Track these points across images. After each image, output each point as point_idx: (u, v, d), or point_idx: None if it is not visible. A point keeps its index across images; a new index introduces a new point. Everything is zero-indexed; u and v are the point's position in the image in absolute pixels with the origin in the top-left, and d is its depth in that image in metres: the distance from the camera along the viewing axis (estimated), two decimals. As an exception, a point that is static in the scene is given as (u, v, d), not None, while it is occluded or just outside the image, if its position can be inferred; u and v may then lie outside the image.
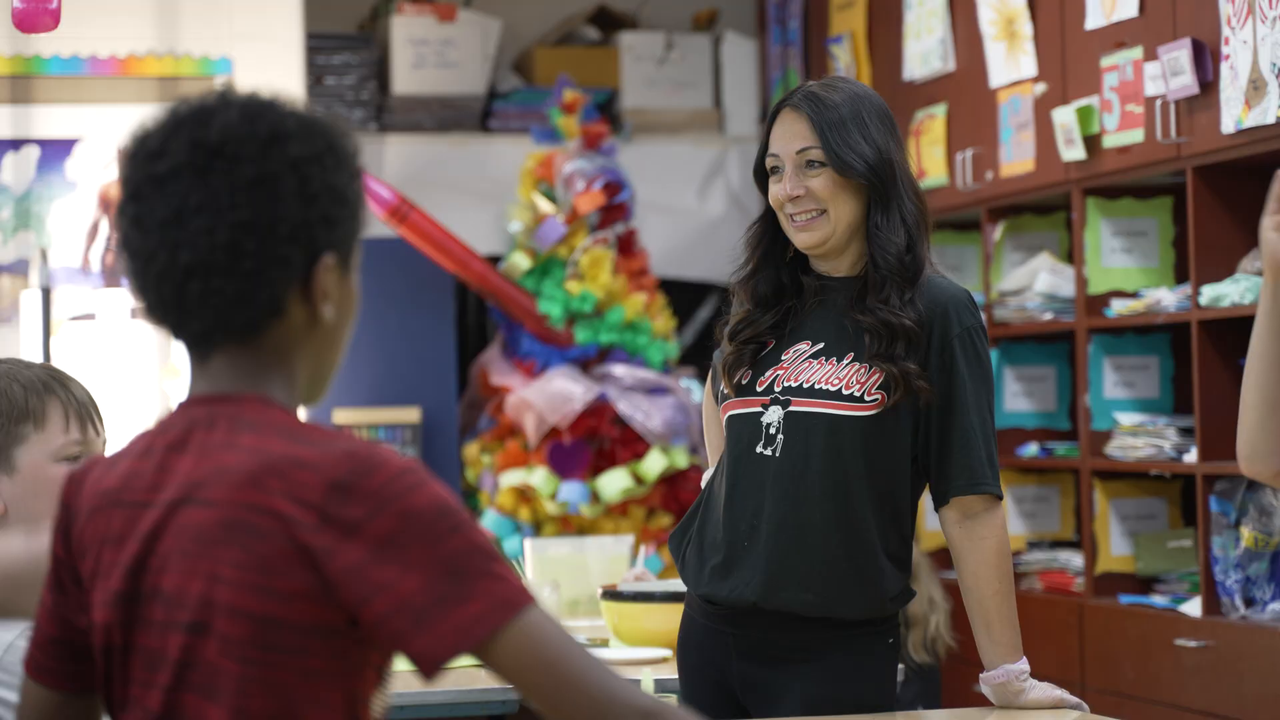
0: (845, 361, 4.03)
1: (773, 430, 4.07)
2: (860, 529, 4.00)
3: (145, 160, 2.39)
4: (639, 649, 5.05)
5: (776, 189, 4.08)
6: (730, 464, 4.15)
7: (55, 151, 8.55)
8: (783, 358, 4.10)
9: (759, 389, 4.09)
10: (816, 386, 4.03)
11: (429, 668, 2.26)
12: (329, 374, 2.61)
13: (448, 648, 2.25)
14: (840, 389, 4.02)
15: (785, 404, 4.06)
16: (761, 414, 4.09)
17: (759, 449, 4.08)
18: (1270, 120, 6.02)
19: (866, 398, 4.00)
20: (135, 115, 7.52)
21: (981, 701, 4.15)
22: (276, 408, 2.44)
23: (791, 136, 4.08)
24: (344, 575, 2.26)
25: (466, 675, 4.95)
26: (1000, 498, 4.11)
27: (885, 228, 4.05)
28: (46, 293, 8.40)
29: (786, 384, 4.06)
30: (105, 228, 8.53)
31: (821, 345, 4.07)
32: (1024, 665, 4.05)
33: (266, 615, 2.29)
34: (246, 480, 2.33)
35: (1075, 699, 4.08)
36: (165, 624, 2.34)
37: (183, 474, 2.38)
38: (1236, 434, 3.63)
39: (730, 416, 4.17)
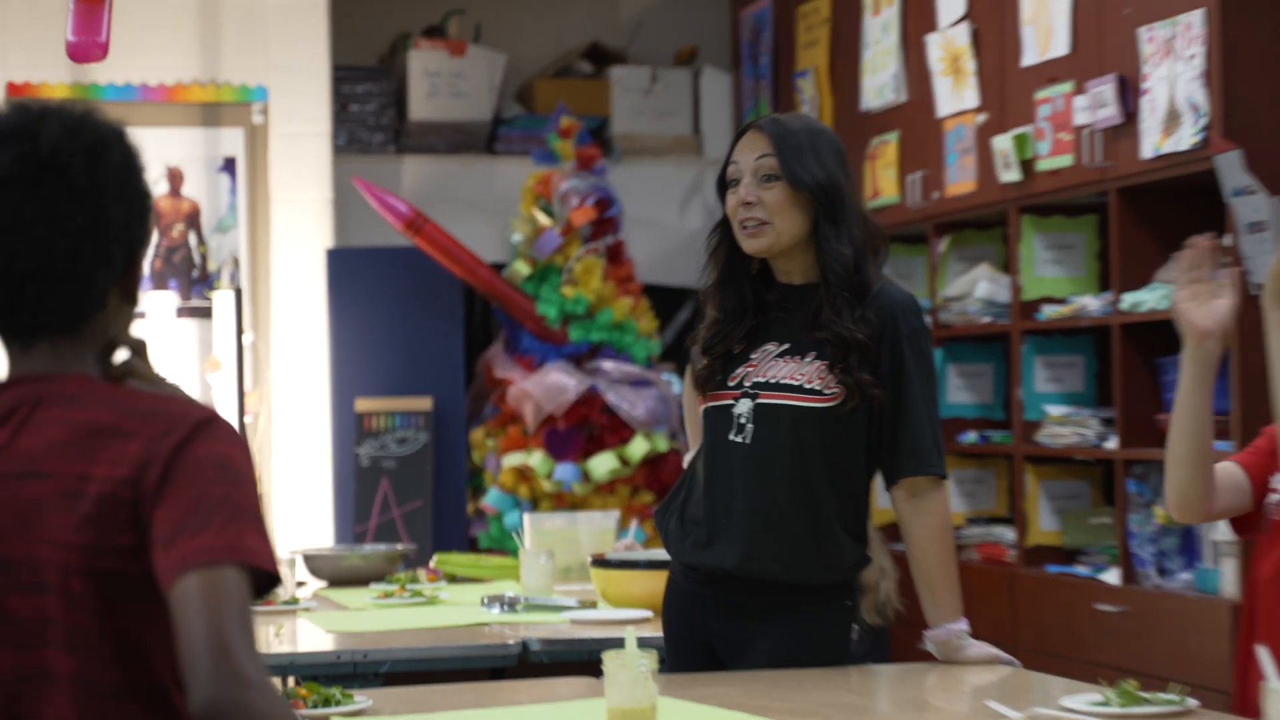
0: (808, 359, 4.07)
1: (743, 420, 4.11)
2: (820, 507, 4.04)
3: None
4: (624, 610, 5.05)
5: (733, 198, 4.12)
6: (707, 450, 4.20)
7: (110, 169, 8.54)
8: (751, 356, 4.14)
9: (730, 384, 4.13)
10: (782, 382, 4.08)
11: (163, 586, 2.22)
12: (125, 346, 2.53)
13: (170, 571, 2.21)
14: (803, 384, 4.06)
15: (754, 397, 4.10)
16: (733, 406, 4.13)
17: (731, 437, 4.12)
18: (1184, 147, 6.04)
19: (826, 391, 4.04)
20: (183, 137, 7.57)
21: (926, 658, 4.15)
22: (98, 382, 2.42)
23: (753, 149, 4.12)
24: (152, 525, 2.27)
25: (469, 632, 4.95)
26: (944, 478, 4.14)
27: (834, 239, 4.07)
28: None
29: (755, 379, 4.10)
30: (155, 237, 8.52)
31: (787, 345, 4.11)
32: (964, 625, 4.11)
33: (105, 570, 2.29)
34: (76, 452, 2.32)
35: (1009, 657, 4.12)
36: (10, 587, 2.33)
37: (17, 448, 2.35)
38: (1165, 485, 3.69)
39: (706, 409, 4.22)
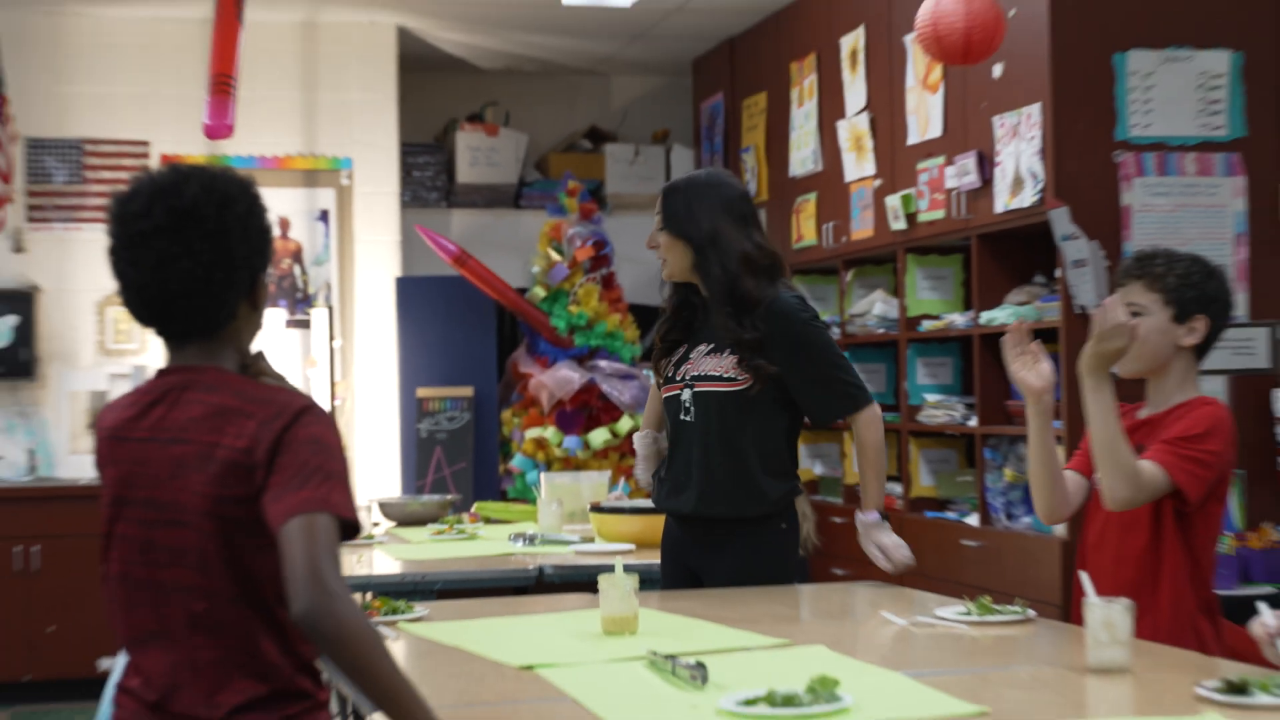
0: (725, 355, 4.18)
1: (687, 405, 4.25)
2: (747, 462, 4.15)
3: (132, 220, 2.41)
4: (615, 544, 5.03)
5: None
6: (669, 428, 4.35)
7: (236, 218, 8.51)
8: (690, 356, 4.28)
9: (677, 379, 4.27)
10: (708, 374, 4.21)
11: (273, 528, 2.27)
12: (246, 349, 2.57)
13: (278, 517, 2.26)
14: (722, 374, 4.19)
15: (692, 387, 4.24)
16: (680, 395, 4.27)
17: (682, 417, 4.26)
18: (1026, 205, 6.03)
19: (739, 378, 4.16)
20: (290, 195, 7.55)
21: (837, 581, 4.14)
22: (228, 374, 2.46)
23: (656, 207, 4.33)
24: (263, 481, 2.30)
25: (500, 560, 4.94)
26: (869, 401, 4.26)
27: (709, 268, 4.19)
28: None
29: (692, 374, 4.24)
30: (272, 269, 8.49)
31: (713, 345, 4.23)
32: (874, 516, 4.28)
33: (228, 516, 2.33)
34: (210, 426, 2.37)
35: (909, 553, 4.22)
36: (159, 522, 2.38)
37: (169, 421, 2.41)
38: (1034, 502, 3.66)
39: (665, 398, 4.35)
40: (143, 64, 8.43)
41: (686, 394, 4.26)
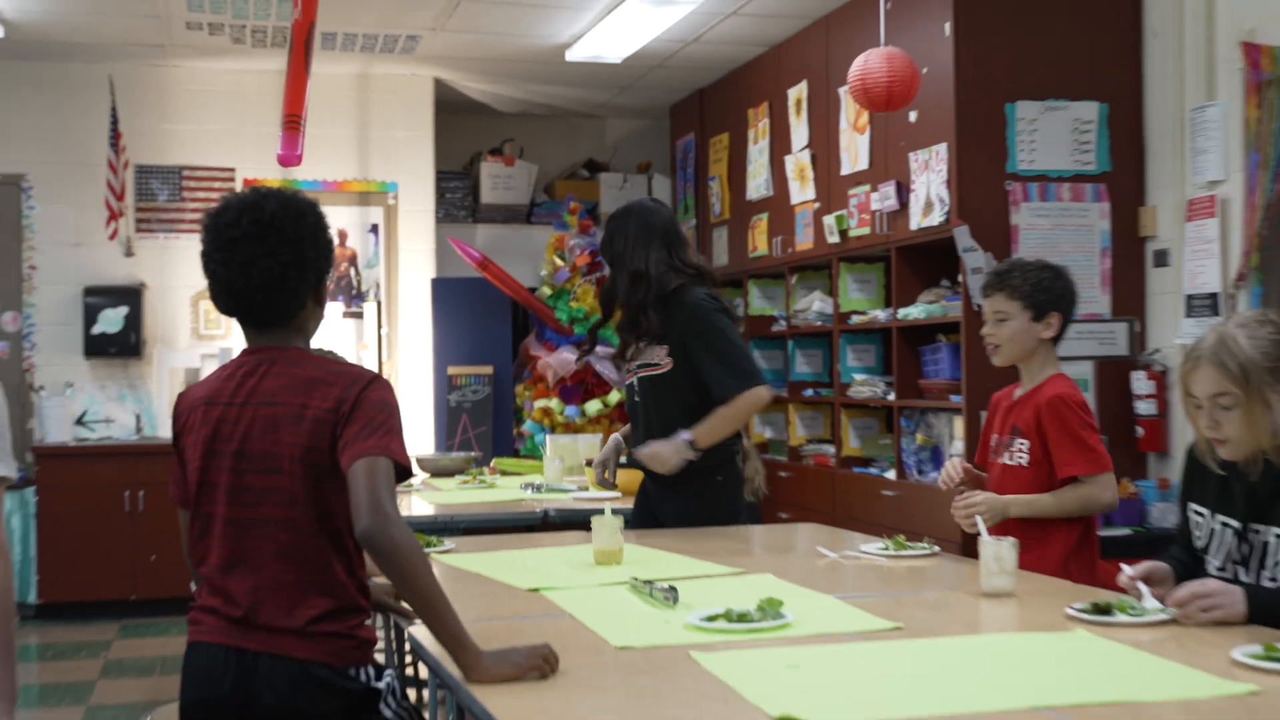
0: (657, 345, 4.22)
1: (635, 388, 4.32)
2: (677, 428, 4.12)
3: (225, 229, 2.44)
4: (604, 492, 5.03)
5: None
6: (628, 406, 4.43)
7: (304, 230, 8.51)
8: (640, 347, 4.30)
9: (632, 367, 4.32)
10: (647, 362, 4.25)
11: (344, 468, 2.30)
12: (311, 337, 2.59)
13: (349, 459, 2.29)
14: (655, 361, 4.23)
15: (638, 374, 4.29)
16: (632, 382, 4.33)
17: (635, 399, 4.33)
18: (935, 223, 6.02)
19: (663, 364, 4.20)
20: (347, 211, 7.49)
21: (782, 523, 4.13)
22: (309, 352, 2.50)
23: None
24: (340, 432, 2.34)
25: (513, 504, 4.93)
26: (758, 384, 4.18)
27: (618, 278, 4.29)
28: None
29: (638, 363, 4.29)
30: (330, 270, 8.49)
31: (653, 338, 4.25)
32: (686, 435, 4.13)
33: (315, 462, 2.35)
34: (299, 392, 2.39)
35: (665, 460, 4.14)
36: (251, 468, 2.39)
37: (261, 389, 2.42)
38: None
39: (625, 386, 4.42)
40: (229, 106, 8.42)
41: (635, 380, 4.31)
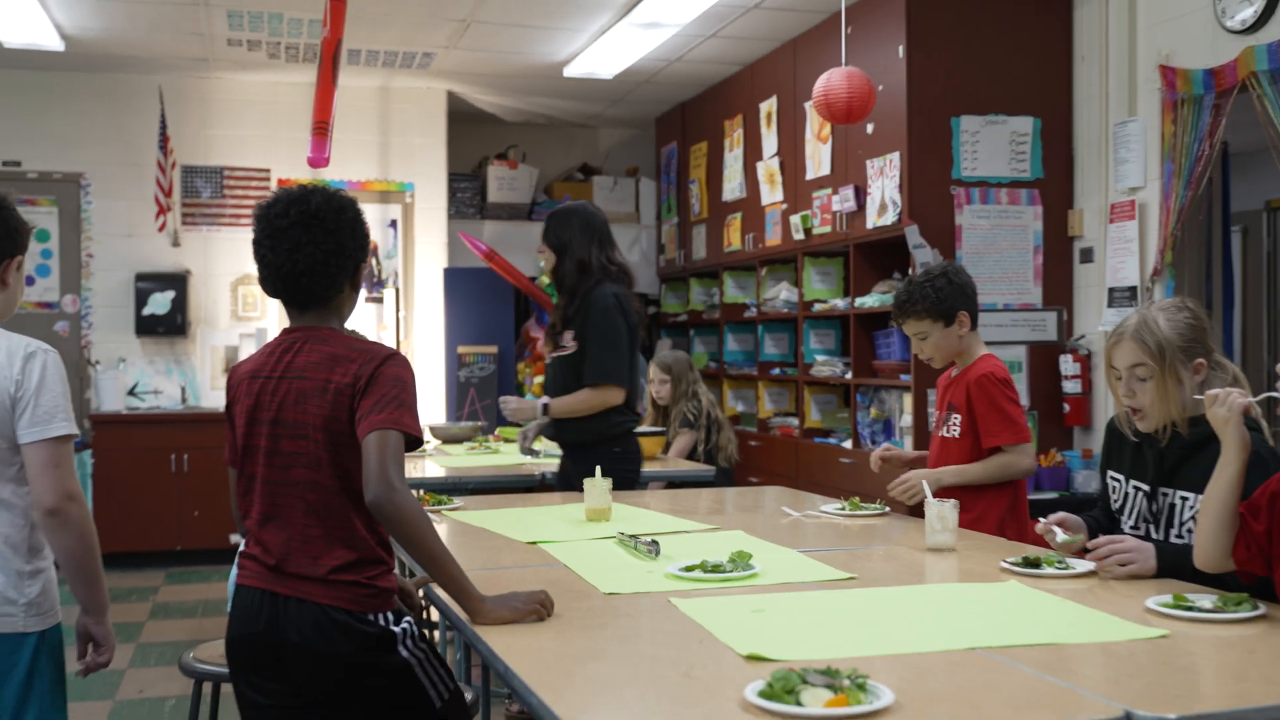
0: (568, 330, 4.28)
1: (549, 368, 4.40)
2: None
3: (274, 219, 2.44)
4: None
5: None
6: (544, 381, 4.50)
7: (331, 224, 8.47)
8: (559, 330, 4.36)
9: (554, 347, 4.38)
10: (561, 344, 4.30)
11: (360, 438, 2.29)
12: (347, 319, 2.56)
13: (364, 431, 2.28)
14: (565, 344, 4.29)
15: (554, 352, 4.35)
16: (549, 358, 4.40)
17: (549, 375, 4.40)
18: (889, 223, 6.02)
19: (568, 346, 4.27)
20: (370, 209, 7.47)
21: (752, 486, 4.13)
22: (338, 332, 2.47)
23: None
24: (357, 404, 2.33)
25: (514, 468, 4.93)
26: (610, 384, 4.22)
27: (559, 270, 4.35)
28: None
29: (556, 344, 4.33)
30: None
31: (568, 324, 4.32)
32: (544, 410, 4.28)
33: (336, 430, 2.34)
34: (325, 368, 2.38)
35: (511, 410, 4.37)
36: (284, 434, 2.39)
37: (294, 364, 2.41)
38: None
39: (547, 362, 4.47)
40: (265, 114, 8.37)
41: (550, 358, 4.37)
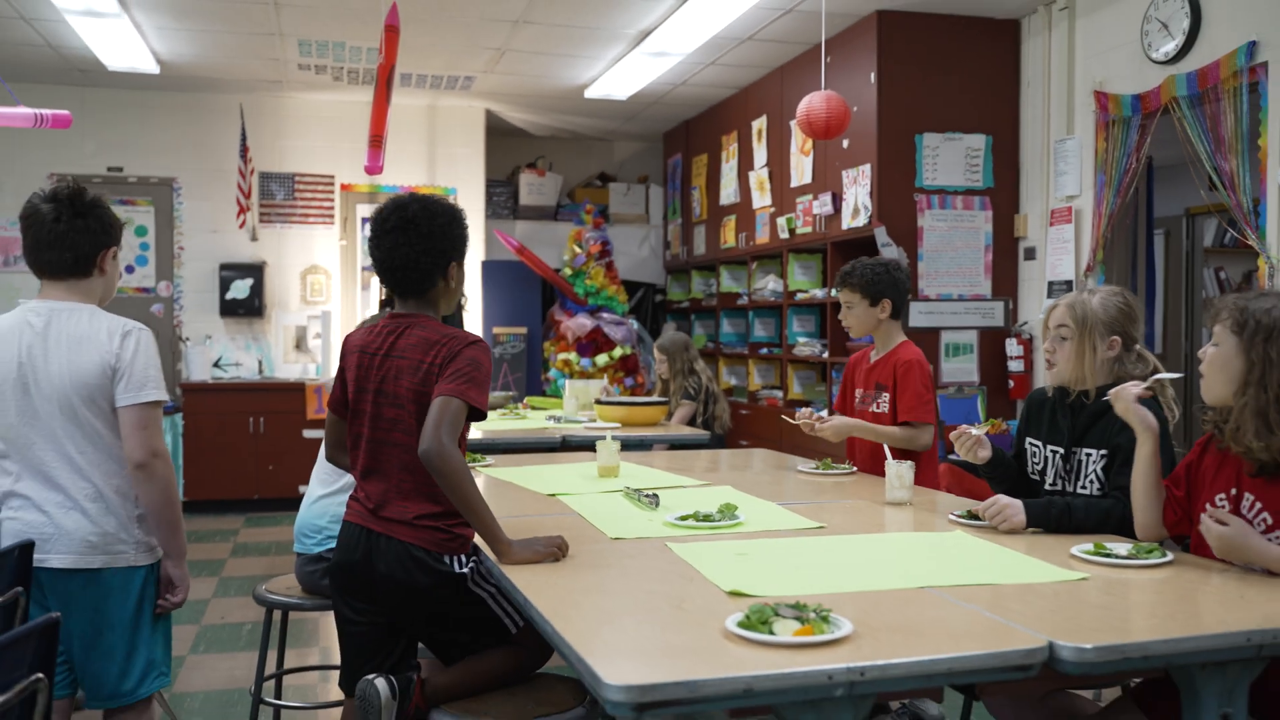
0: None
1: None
2: None
3: (381, 222, 2.44)
4: (609, 423, 5.05)
5: None
6: None
7: (386, 223, 8.47)
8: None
9: None
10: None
11: (436, 399, 2.27)
12: (448, 310, 2.52)
13: (435, 395, 2.28)
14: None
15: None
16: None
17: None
18: (861, 225, 6.00)
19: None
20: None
21: (743, 448, 4.13)
22: (435, 320, 2.46)
23: None
24: (438, 378, 2.33)
25: (540, 431, 4.94)
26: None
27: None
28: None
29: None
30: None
31: None
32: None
33: (424, 404, 2.34)
34: (421, 350, 2.38)
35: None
36: (385, 403, 2.40)
37: (397, 345, 2.41)
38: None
39: None
40: (331, 128, 8.36)
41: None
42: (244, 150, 7.90)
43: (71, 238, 2.52)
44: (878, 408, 3.57)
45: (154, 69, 7.27)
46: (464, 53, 7.05)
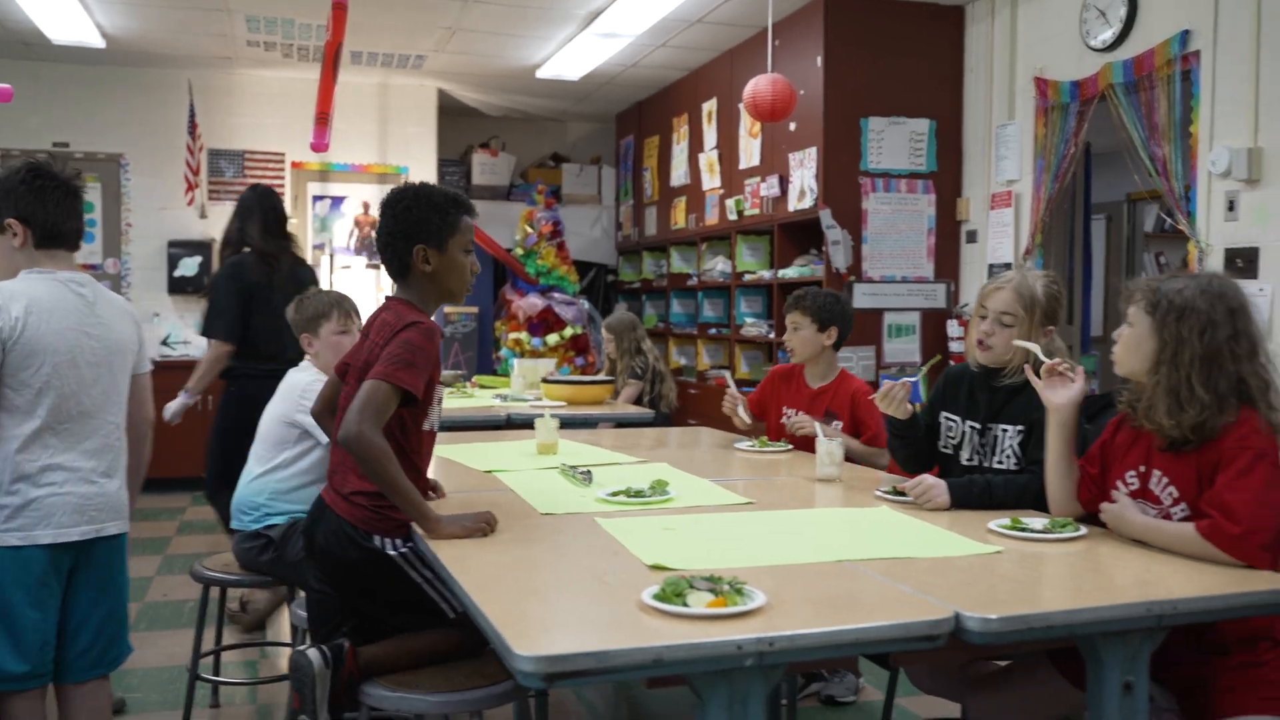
0: None
1: None
2: None
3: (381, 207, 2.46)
4: (554, 402, 5.05)
5: None
6: None
7: (337, 201, 8.38)
8: None
9: None
10: None
11: (365, 382, 2.28)
12: (449, 294, 2.46)
13: (368, 379, 2.27)
14: None
15: None
16: None
17: None
18: (806, 207, 6.03)
19: None
20: (370, 188, 7.32)
21: (690, 427, 4.15)
22: (400, 303, 2.44)
23: None
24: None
25: (486, 409, 4.92)
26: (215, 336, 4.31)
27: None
28: (332, 258, 8.26)
29: None
30: (357, 232, 8.38)
31: None
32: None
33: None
34: (379, 331, 2.39)
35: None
36: (355, 379, 2.39)
37: (372, 325, 2.44)
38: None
39: None
40: (281, 105, 8.26)
41: None
42: (193, 127, 7.79)
43: (77, 208, 2.56)
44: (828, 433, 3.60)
45: (99, 43, 7.15)
46: (414, 31, 6.99)
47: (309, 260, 8.12)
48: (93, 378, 2.49)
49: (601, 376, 5.75)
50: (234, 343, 4.36)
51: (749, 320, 6.95)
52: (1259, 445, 2.05)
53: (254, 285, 4.41)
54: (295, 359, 3.53)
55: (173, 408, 4.35)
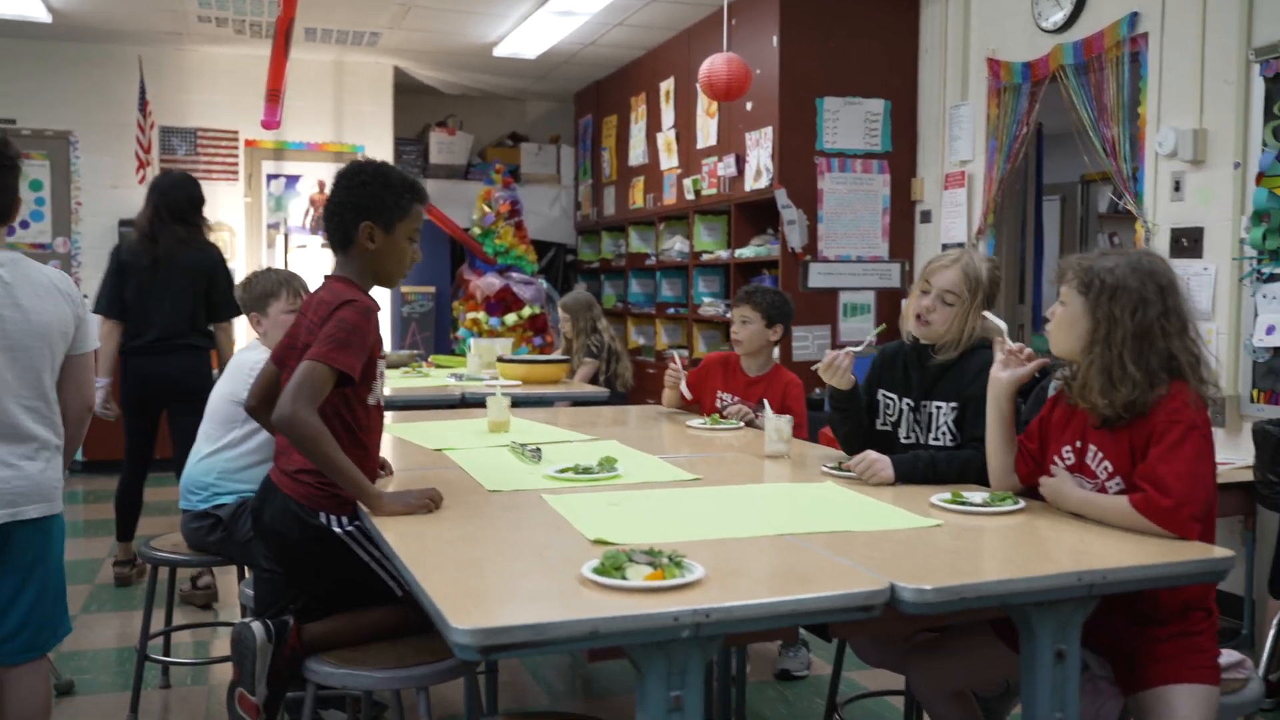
0: None
1: None
2: None
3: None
4: (511, 381, 5.03)
5: None
6: None
7: (292, 180, 8.30)
8: None
9: None
10: None
11: (301, 363, 2.27)
12: (385, 277, 2.42)
13: (304, 360, 2.25)
14: None
15: None
16: None
17: None
18: (763, 186, 6.03)
19: None
20: (325, 167, 7.27)
21: (647, 406, 4.15)
22: (337, 281, 2.41)
23: None
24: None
25: (442, 389, 4.91)
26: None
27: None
28: (286, 237, 8.18)
29: None
30: (312, 211, 8.31)
31: None
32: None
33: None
34: (315, 310, 2.37)
35: None
36: (294, 359, 2.35)
37: (309, 303, 2.40)
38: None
39: None
40: (233, 82, 8.15)
41: None
42: (143, 104, 7.68)
43: (8, 182, 2.42)
44: (759, 420, 3.66)
45: (45, 17, 7.02)
46: (368, 7, 6.92)
47: (233, 244, 8.03)
48: (2, 362, 2.38)
49: (557, 355, 5.75)
50: (113, 318, 4.49)
51: (706, 300, 6.96)
52: (1189, 418, 2.09)
53: (126, 264, 4.54)
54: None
55: (98, 398, 4.31)
